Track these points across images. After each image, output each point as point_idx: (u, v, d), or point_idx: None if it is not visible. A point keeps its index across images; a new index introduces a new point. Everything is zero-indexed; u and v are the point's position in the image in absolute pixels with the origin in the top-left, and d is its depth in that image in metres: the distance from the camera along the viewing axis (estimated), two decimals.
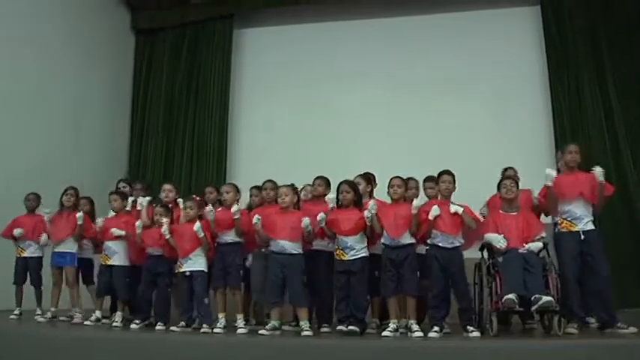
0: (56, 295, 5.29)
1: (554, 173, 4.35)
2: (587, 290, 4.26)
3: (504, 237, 4.19)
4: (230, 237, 4.67)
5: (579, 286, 4.24)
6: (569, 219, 4.34)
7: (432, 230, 4.25)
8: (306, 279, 4.43)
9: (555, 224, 4.71)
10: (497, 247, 4.20)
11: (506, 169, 4.94)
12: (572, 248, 4.28)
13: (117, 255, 5.00)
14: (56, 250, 5.27)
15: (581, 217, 4.31)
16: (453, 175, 4.39)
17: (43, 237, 5.31)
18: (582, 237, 4.27)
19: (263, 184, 4.93)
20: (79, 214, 5.18)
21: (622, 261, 6.29)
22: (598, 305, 4.28)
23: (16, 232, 5.33)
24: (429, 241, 4.32)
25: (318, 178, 4.92)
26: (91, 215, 5.40)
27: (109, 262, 5.00)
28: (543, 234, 4.28)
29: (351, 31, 8.26)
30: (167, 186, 5.24)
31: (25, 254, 5.40)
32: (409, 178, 4.73)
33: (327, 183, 4.91)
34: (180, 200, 5.01)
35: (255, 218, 4.45)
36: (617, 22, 7.40)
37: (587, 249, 4.26)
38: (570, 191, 4.33)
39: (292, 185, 4.65)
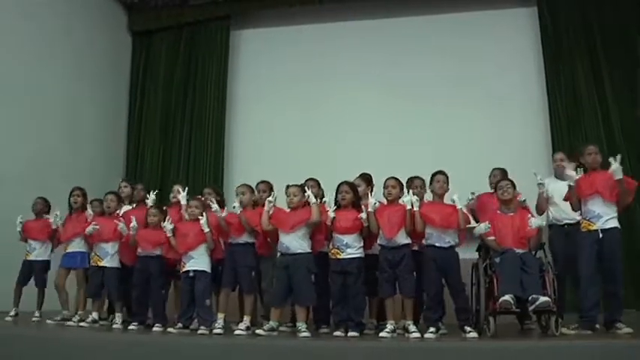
0: (65, 297, 5.25)
1: (574, 173, 4.33)
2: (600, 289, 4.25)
3: (488, 224, 4.26)
4: (242, 238, 4.64)
5: (596, 287, 4.20)
6: (587, 218, 4.29)
7: (426, 229, 4.29)
8: (313, 277, 4.35)
9: (550, 225, 4.73)
10: (483, 232, 4.25)
11: (493, 170, 5.05)
12: (589, 248, 4.22)
13: (109, 256, 4.98)
14: (68, 250, 5.26)
15: (599, 216, 4.23)
16: (446, 176, 4.42)
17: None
18: (601, 235, 4.20)
19: (257, 184, 4.92)
20: (88, 213, 5.17)
21: None
22: (607, 305, 4.28)
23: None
24: (424, 242, 4.34)
25: (310, 179, 4.92)
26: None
27: (101, 264, 4.98)
28: (542, 222, 4.32)
29: (346, 32, 8.27)
30: (177, 187, 5.26)
31: (31, 257, 5.39)
32: (415, 177, 4.74)
33: (319, 184, 4.93)
34: (182, 196, 4.94)
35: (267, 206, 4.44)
36: (612, 22, 7.43)
37: (604, 248, 4.20)
38: (587, 190, 4.29)
39: (302, 186, 4.60)
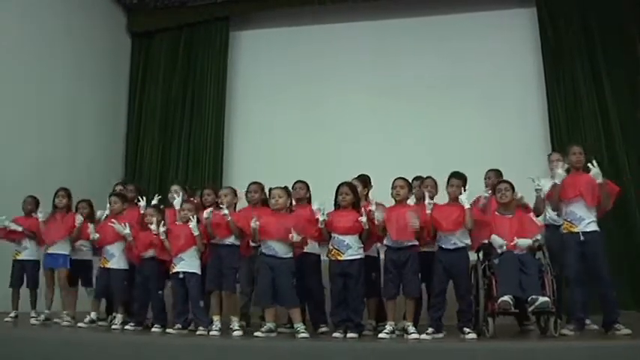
0: (50, 297, 5.28)
1: (565, 174, 4.35)
2: (588, 292, 4.27)
3: (506, 243, 4.18)
4: (229, 240, 4.64)
5: (581, 287, 4.24)
6: (569, 220, 4.33)
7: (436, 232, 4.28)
8: (295, 281, 4.39)
9: (547, 226, 4.74)
10: (497, 250, 4.20)
11: (487, 172, 5.01)
12: (572, 249, 4.26)
13: (115, 258, 5.00)
14: (49, 251, 5.25)
15: (581, 218, 4.27)
16: (460, 179, 4.39)
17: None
18: (582, 238, 4.24)
19: (248, 186, 4.92)
20: (78, 217, 5.18)
21: (616, 263, 6.30)
22: (599, 307, 4.29)
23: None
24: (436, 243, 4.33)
25: (298, 181, 4.92)
26: (90, 218, 5.36)
27: (107, 265, 5.01)
28: (539, 236, 4.29)
29: (345, 33, 8.27)
30: (174, 187, 5.35)
31: (21, 257, 5.38)
32: (427, 177, 4.72)
33: (307, 187, 4.92)
34: (176, 201, 5.00)
35: (253, 222, 4.39)
36: (612, 23, 7.43)
37: (587, 250, 4.23)
38: (570, 192, 4.31)
39: (286, 188, 4.62)
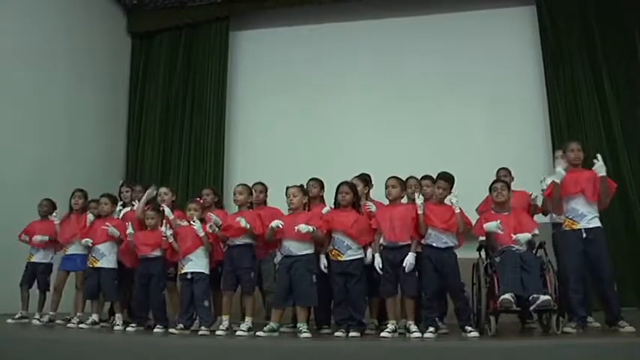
0: (57, 299, 5.29)
1: (564, 173, 4.34)
2: (590, 288, 4.26)
3: (500, 224, 4.16)
4: (240, 239, 4.59)
5: (582, 285, 4.23)
6: (571, 217, 4.31)
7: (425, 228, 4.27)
8: (315, 278, 4.32)
9: (554, 224, 4.72)
10: (497, 232, 4.17)
11: (498, 170, 4.97)
12: (574, 246, 4.25)
13: (105, 258, 5.00)
14: (68, 253, 5.29)
15: (583, 215, 4.26)
16: (447, 180, 4.38)
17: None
18: (584, 235, 4.23)
19: (253, 185, 4.90)
20: (90, 215, 5.20)
21: (619, 260, 6.30)
22: (600, 304, 4.28)
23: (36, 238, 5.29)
24: (422, 242, 4.32)
25: (312, 179, 4.91)
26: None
27: (97, 265, 5.00)
28: (536, 232, 4.27)
29: (346, 32, 8.27)
30: (163, 189, 5.29)
31: (34, 259, 5.41)
32: (409, 177, 4.72)
33: (321, 185, 4.91)
34: (167, 212, 4.95)
35: (275, 223, 4.34)
36: (611, 20, 7.43)
37: (589, 247, 4.22)
38: (572, 188, 4.30)
39: (301, 186, 4.60)
